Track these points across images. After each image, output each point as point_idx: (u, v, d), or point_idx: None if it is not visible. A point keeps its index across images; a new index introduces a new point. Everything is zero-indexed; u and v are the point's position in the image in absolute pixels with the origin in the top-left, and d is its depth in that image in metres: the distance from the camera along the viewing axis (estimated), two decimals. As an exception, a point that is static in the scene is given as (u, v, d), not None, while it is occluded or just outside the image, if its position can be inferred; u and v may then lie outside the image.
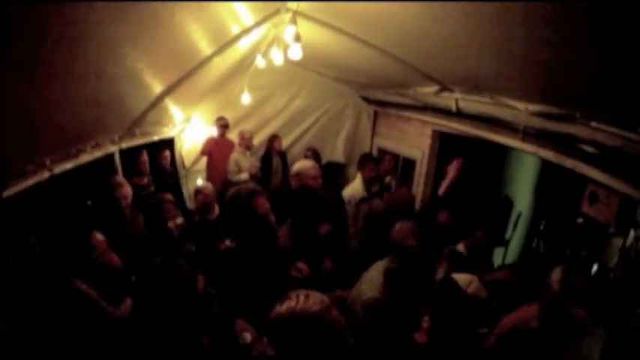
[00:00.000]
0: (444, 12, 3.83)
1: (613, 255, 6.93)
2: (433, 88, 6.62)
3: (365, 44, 5.52)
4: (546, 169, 9.45)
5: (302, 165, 6.28)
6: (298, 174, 6.08)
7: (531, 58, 3.92)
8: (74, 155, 5.15)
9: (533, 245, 7.71)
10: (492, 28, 3.71)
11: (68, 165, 5.04)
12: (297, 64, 8.29)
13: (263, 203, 4.82)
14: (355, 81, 9.18)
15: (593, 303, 6.29)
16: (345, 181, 8.96)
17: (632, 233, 7.20)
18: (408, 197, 7.41)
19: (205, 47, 5.37)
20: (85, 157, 5.42)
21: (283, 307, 2.52)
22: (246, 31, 5.48)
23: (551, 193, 8.59)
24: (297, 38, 4.85)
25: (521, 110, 5.08)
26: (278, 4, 4.98)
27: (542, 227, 7.69)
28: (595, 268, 6.69)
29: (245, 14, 5.01)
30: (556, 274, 3.94)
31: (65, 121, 4.25)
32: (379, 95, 8.93)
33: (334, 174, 9.47)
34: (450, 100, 6.47)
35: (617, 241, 7.11)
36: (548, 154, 5.33)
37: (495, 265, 8.13)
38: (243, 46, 6.14)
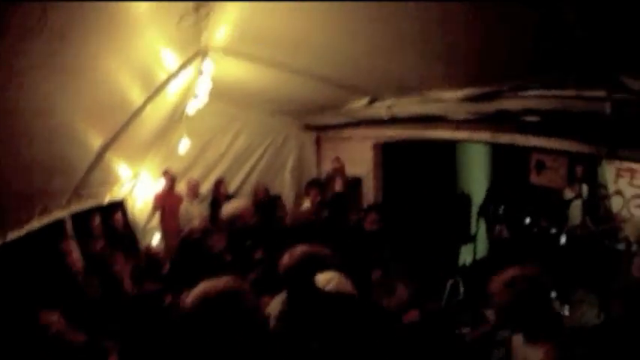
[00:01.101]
0: (360, 22, 3.95)
1: (575, 215, 7.53)
2: (364, 101, 6.71)
3: (290, 70, 5.59)
4: (495, 154, 9.69)
5: (233, 208, 5.87)
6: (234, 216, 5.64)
7: (451, 47, 4.07)
8: (23, 222, 5.05)
9: (496, 232, 7.89)
10: (411, 28, 3.85)
11: (15, 233, 4.89)
12: (232, 104, 8.51)
13: (218, 241, 4.77)
14: (291, 110, 9.23)
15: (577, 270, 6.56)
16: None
17: (584, 188, 7.48)
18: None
19: (137, 96, 5.31)
20: (34, 224, 5.31)
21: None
22: (173, 76, 5.44)
23: (502, 176, 8.68)
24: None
25: (450, 100, 5.17)
26: (196, 48, 4.98)
27: (501, 212, 7.79)
28: (563, 239, 7.03)
29: (168, 57, 4.99)
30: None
31: (9, 187, 4.18)
32: (318, 120, 9.03)
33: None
34: (381, 109, 6.56)
35: (576, 201, 7.51)
36: (483, 136, 5.51)
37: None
38: (174, 92, 6.11)
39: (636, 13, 2.84)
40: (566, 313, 6.51)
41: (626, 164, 7.85)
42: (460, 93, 4.99)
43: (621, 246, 6.60)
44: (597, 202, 7.95)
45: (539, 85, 4.31)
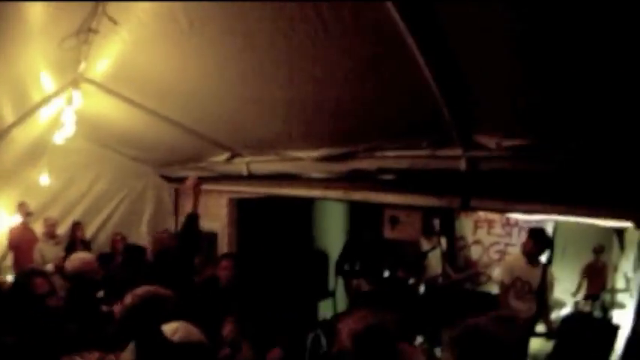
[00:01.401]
0: (223, 81, 4.11)
1: (435, 265, 7.82)
2: (224, 156, 6.66)
3: (156, 116, 5.54)
4: (352, 210, 9.89)
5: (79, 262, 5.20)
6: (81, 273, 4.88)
7: (308, 110, 4.19)
8: None
9: (354, 286, 7.92)
10: (269, 90, 3.97)
11: None
12: (97, 143, 8.27)
13: (42, 284, 4.34)
14: (153, 159, 9.05)
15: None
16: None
17: (443, 241, 7.89)
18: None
19: (7, 114, 5.16)
20: None
21: None
22: (45, 101, 5.31)
23: (358, 232, 8.89)
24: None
25: (305, 159, 5.24)
26: (72, 76, 4.89)
27: (357, 267, 7.90)
28: (423, 288, 7.42)
29: (46, 80, 4.86)
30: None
31: None
32: (177, 172, 8.82)
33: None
34: (241, 165, 6.54)
35: (434, 252, 7.79)
36: (337, 194, 5.57)
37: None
38: (44, 120, 5.94)
39: (485, 77, 3.06)
40: (438, 354, 6.58)
41: (484, 216, 8.69)
42: (316, 153, 5.07)
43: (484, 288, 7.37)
44: (456, 251, 8.37)
45: (394, 146, 4.45)
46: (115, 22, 3.48)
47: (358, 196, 5.35)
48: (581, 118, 3.29)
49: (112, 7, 3.40)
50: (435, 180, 4.54)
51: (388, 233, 8.53)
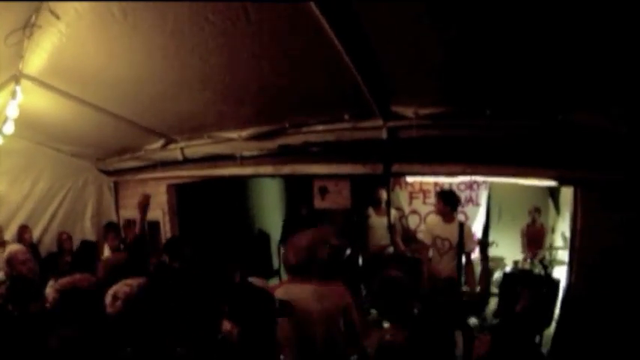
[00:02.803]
0: (151, 65, 4.21)
1: (380, 235, 8.15)
2: (159, 143, 6.72)
3: (91, 107, 5.51)
4: (289, 188, 10.01)
5: (12, 250, 5.45)
6: (9, 260, 5.21)
7: (236, 90, 4.41)
8: None
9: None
10: (196, 73, 4.17)
11: None
12: (36, 141, 7.98)
13: None
14: (91, 153, 8.90)
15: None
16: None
17: (393, 212, 8.10)
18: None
19: None
20: None
21: None
22: None
23: (293, 208, 9.01)
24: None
25: (236, 139, 5.44)
26: (13, 71, 4.80)
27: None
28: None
29: None
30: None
31: None
32: (115, 164, 8.79)
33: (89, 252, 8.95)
34: (176, 150, 6.64)
35: (379, 221, 8.14)
36: (267, 169, 5.82)
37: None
38: None
39: (397, 49, 3.34)
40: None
41: (418, 187, 9.04)
42: (245, 132, 5.30)
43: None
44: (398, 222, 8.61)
45: (318, 121, 4.75)
46: (57, 16, 3.57)
47: (287, 169, 5.61)
48: (496, 84, 3.58)
49: (53, 2, 3.48)
50: (359, 149, 4.84)
51: (318, 203, 8.66)
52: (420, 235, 7.83)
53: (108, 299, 2.96)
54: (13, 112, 5.14)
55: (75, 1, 3.38)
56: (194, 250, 5.80)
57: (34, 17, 3.66)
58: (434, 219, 6.92)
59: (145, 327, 2.94)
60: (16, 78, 4.85)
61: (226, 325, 3.45)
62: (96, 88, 5.07)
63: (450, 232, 6.38)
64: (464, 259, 6.44)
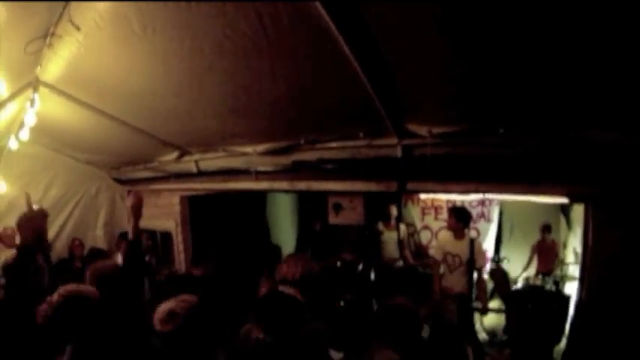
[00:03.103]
0: (168, 80, 4.25)
1: (391, 249, 8.24)
2: (174, 155, 6.74)
3: (107, 117, 5.54)
4: (301, 204, 10.06)
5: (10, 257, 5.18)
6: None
7: (251, 105, 4.42)
8: None
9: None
10: (213, 88, 4.21)
11: None
12: (50, 147, 8.07)
13: None
14: (105, 162, 8.93)
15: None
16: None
17: (402, 227, 8.18)
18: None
19: None
20: None
21: None
22: (1, 105, 5.12)
23: (307, 224, 9.07)
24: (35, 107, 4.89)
25: (251, 154, 5.47)
26: (29, 78, 4.83)
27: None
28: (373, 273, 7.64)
29: (2, 84, 4.65)
30: None
31: None
32: (129, 174, 8.81)
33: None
34: (190, 163, 6.66)
35: (390, 236, 8.11)
36: (282, 185, 5.85)
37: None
38: None
39: (412, 67, 3.34)
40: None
41: (430, 203, 9.03)
42: (261, 147, 5.33)
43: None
44: (409, 237, 8.71)
45: (333, 138, 4.78)
46: (77, 27, 3.60)
47: (302, 185, 5.63)
48: (509, 102, 3.57)
49: (73, 12, 3.49)
50: (373, 166, 4.84)
51: (333, 219, 8.78)
52: (432, 251, 7.86)
53: (160, 316, 2.96)
54: (30, 119, 5.16)
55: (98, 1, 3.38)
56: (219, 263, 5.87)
57: (53, 27, 3.70)
58: (445, 235, 6.99)
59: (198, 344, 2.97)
60: (34, 85, 4.89)
61: (257, 333, 3.46)
62: (113, 99, 5.12)
63: (461, 248, 6.45)
64: (475, 275, 6.46)
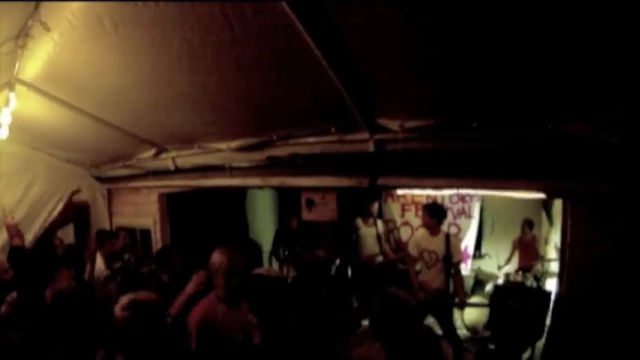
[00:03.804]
0: (143, 77, 4.29)
1: (370, 245, 8.26)
2: (151, 152, 6.76)
3: (85, 115, 5.57)
4: (281, 199, 10.05)
5: None
6: None
7: (225, 102, 4.50)
8: None
9: (284, 273, 8.12)
10: (186, 84, 4.24)
11: None
12: (30, 146, 8.04)
13: None
14: (85, 159, 8.91)
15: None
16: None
17: (380, 223, 8.18)
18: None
19: None
20: None
21: None
22: None
23: (286, 219, 9.06)
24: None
25: (225, 150, 5.51)
26: (7, 78, 4.87)
27: (285, 254, 8.03)
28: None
29: None
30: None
31: None
32: (109, 171, 8.84)
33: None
34: (167, 160, 6.71)
35: (368, 231, 8.25)
36: (255, 181, 5.93)
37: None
38: None
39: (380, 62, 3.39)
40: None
41: (410, 199, 9.11)
42: (234, 143, 5.37)
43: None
44: (387, 233, 8.69)
45: (305, 133, 4.80)
46: (47, 28, 3.66)
47: (275, 181, 5.71)
48: (483, 96, 3.61)
49: (44, 12, 3.56)
50: (345, 162, 4.89)
51: (306, 215, 8.74)
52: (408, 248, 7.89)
53: (119, 306, 2.99)
54: (5, 118, 5.18)
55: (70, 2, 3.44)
56: (184, 261, 5.80)
57: (27, 26, 3.74)
58: (421, 231, 6.95)
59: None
60: (10, 85, 4.90)
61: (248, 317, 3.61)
62: (90, 97, 5.15)
63: (437, 244, 6.43)
64: (453, 271, 6.46)
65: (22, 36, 3.82)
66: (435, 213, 6.53)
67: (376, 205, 8.40)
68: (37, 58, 4.40)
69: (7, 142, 6.00)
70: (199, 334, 3.48)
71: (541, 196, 5.24)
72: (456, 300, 6.61)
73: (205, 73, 3.95)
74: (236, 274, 3.71)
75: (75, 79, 4.75)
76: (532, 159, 4.01)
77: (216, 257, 3.78)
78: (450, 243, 6.43)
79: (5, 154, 7.08)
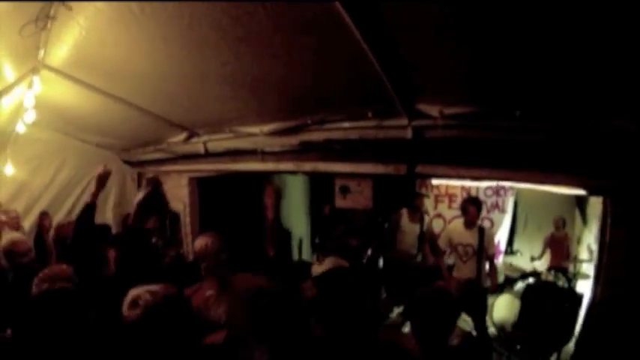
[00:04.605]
0: (174, 59, 4.17)
1: (410, 241, 8.06)
2: (182, 136, 6.73)
3: (115, 99, 5.51)
4: (314, 185, 9.96)
5: (9, 242, 5.18)
6: (9, 252, 5.00)
7: (258, 84, 4.33)
8: None
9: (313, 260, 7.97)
10: (220, 66, 4.06)
11: None
12: (59, 131, 8.09)
13: None
14: (115, 144, 8.97)
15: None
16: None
17: (427, 220, 8.07)
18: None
19: None
20: None
21: None
22: (7, 90, 5.11)
23: (317, 205, 8.99)
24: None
25: (258, 134, 5.41)
26: (33, 64, 4.79)
27: (317, 241, 7.94)
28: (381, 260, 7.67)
29: (7, 69, 4.74)
30: None
31: None
32: (139, 155, 8.83)
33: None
34: (198, 144, 6.66)
35: (411, 227, 8.03)
36: (288, 166, 5.77)
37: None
38: (4, 110, 5.73)
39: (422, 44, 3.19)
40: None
41: (444, 191, 8.85)
42: (267, 127, 5.25)
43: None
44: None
45: (341, 118, 4.65)
46: (69, 7, 3.51)
47: (308, 166, 5.53)
48: (527, 83, 3.40)
49: None
50: (382, 148, 4.71)
51: (339, 203, 8.64)
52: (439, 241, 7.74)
53: (126, 303, 2.78)
54: (29, 101, 5.16)
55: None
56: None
57: (48, 9, 3.62)
58: (454, 225, 6.92)
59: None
60: (35, 69, 4.84)
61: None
62: (119, 81, 5.08)
63: (473, 237, 6.37)
64: (487, 265, 6.45)
65: (42, 18, 3.68)
66: (479, 206, 6.51)
67: (424, 201, 8.25)
68: (64, 43, 4.33)
69: (37, 127, 6.06)
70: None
71: (580, 192, 5.03)
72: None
73: (237, 55, 3.81)
74: (223, 252, 3.91)
75: (104, 64, 4.68)
76: (574, 153, 3.78)
77: (201, 242, 3.97)
78: (485, 235, 6.37)
79: (34, 139, 7.18)
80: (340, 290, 3.84)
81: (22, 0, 3.41)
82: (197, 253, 3.95)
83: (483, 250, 6.33)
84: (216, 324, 3.62)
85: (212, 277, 3.89)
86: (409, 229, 8.14)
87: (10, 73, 4.87)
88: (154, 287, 2.81)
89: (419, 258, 8.19)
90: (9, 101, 5.46)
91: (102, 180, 4.69)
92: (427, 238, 8.13)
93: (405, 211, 8.18)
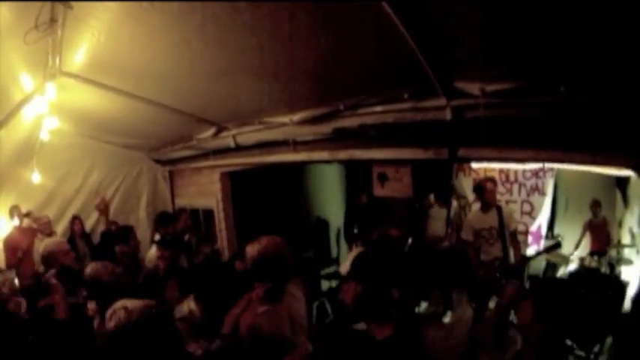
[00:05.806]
0: (197, 52, 3.99)
1: (438, 227, 7.99)
2: (211, 131, 6.66)
3: (138, 99, 5.45)
4: (349, 174, 9.81)
5: (50, 244, 5.29)
6: (51, 254, 5.05)
7: (286, 71, 4.13)
8: None
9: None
10: (245, 55, 3.90)
11: None
12: (86, 136, 8.20)
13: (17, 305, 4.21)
14: (144, 144, 8.99)
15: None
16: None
17: (455, 205, 7.86)
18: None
19: None
20: None
21: None
22: (27, 99, 5.16)
23: (353, 195, 8.85)
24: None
25: (288, 124, 5.26)
26: (49, 70, 4.69)
27: (355, 231, 7.76)
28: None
29: (25, 79, 4.80)
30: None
31: None
32: (169, 154, 8.81)
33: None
34: (228, 138, 6.57)
35: (440, 212, 7.96)
36: (322, 155, 5.62)
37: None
38: (28, 119, 5.78)
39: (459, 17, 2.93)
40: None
41: (483, 174, 8.61)
42: (297, 116, 5.10)
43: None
44: (460, 211, 8.36)
45: (375, 101, 4.42)
46: (70, 7, 3.40)
47: (344, 155, 5.36)
48: (571, 58, 3.11)
49: None
50: (420, 131, 4.48)
51: (378, 191, 8.44)
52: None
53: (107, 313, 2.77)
54: (41, 108, 5.20)
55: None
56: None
57: (51, 12, 3.52)
58: (474, 212, 6.89)
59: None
60: (52, 76, 4.76)
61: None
62: (141, 81, 5.03)
63: (493, 219, 6.39)
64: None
65: (44, 22, 3.54)
66: (489, 186, 6.55)
67: (455, 187, 8.10)
68: (78, 47, 4.26)
69: (63, 134, 6.08)
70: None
71: (629, 173, 4.80)
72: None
73: (260, 40, 3.61)
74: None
75: (122, 65, 4.62)
76: (625, 131, 3.55)
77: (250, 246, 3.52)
78: (503, 214, 6.37)
79: (61, 145, 7.27)
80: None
81: (22, 0, 3.31)
82: (253, 259, 3.44)
83: (505, 228, 6.31)
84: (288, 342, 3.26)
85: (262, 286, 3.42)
86: (436, 213, 8.12)
87: (29, 83, 4.90)
88: (132, 304, 2.72)
89: (446, 243, 8.11)
90: (31, 111, 5.48)
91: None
92: (454, 225, 8.16)
93: (432, 196, 8.13)
